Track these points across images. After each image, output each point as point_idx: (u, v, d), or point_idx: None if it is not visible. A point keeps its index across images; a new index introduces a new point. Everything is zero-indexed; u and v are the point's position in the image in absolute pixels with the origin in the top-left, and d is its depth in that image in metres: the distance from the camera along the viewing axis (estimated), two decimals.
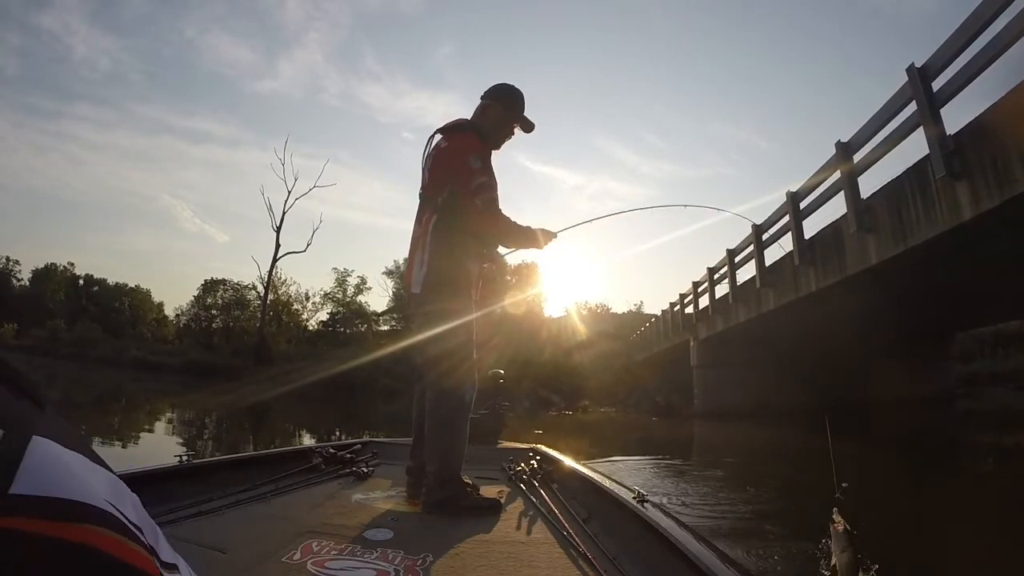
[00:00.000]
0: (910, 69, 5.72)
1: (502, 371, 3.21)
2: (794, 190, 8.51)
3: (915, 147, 5.94)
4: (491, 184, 1.87)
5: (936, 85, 5.49)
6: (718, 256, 12.90)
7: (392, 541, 1.51)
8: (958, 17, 5.10)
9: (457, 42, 52.42)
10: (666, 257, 58.62)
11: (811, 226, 8.50)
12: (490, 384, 3.08)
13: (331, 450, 2.40)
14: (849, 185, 6.79)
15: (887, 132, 6.35)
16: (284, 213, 25.13)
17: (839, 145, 7.13)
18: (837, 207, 8.74)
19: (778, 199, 9.85)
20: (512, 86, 2.00)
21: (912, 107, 5.80)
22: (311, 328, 29.78)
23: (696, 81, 67.85)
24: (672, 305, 16.87)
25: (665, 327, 17.67)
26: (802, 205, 8.43)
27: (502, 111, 1.95)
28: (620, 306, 34.15)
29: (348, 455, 2.39)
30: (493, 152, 1.98)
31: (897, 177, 6.36)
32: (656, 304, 33.79)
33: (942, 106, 5.52)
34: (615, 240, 54.00)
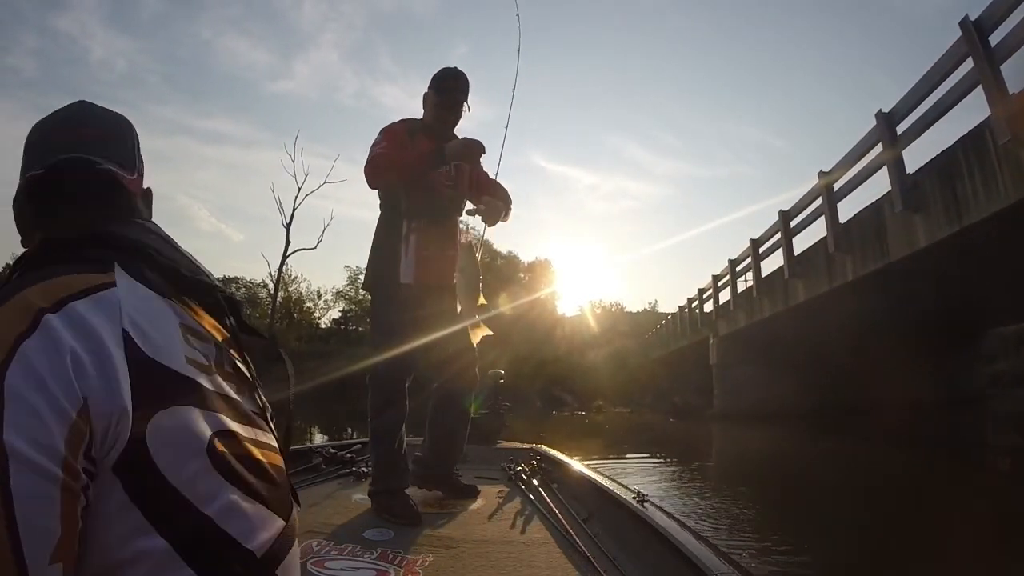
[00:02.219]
0: (964, 22, 5.03)
1: (502, 371, 3.19)
2: (827, 170, 7.73)
3: (949, 133, 5.29)
4: (380, 144, 1.89)
5: (993, 40, 4.76)
6: (735, 254, 12.15)
7: (392, 541, 1.52)
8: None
9: (471, 42, 51.55)
10: (680, 256, 57.59)
11: (845, 211, 7.74)
12: (490, 384, 3.06)
13: (331, 450, 2.42)
14: (893, 159, 6.02)
15: (937, 97, 5.58)
16: (294, 209, 24.74)
17: (880, 116, 6.40)
18: (875, 189, 7.96)
19: (793, 198, 9.29)
20: (439, 71, 1.99)
21: (967, 66, 5.06)
22: (324, 326, 29.52)
23: (710, 80, 65.59)
24: (690, 301, 16.14)
25: (682, 324, 16.96)
26: (836, 186, 7.64)
27: (431, 94, 1.97)
28: (634, 305, 33.27)
29: (348, 455, 2.41)
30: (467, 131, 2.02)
31: (949, 147, 5.65)
32: (671, 303, 33.02)
33: (1001, 63, 4.77)
34: (629, 239, 53.27)
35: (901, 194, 6.06)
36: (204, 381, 0.49)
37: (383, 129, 1.95)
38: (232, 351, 0.56)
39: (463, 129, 2.01)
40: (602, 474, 2.00)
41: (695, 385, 15.11)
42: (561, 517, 1.64)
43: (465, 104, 1.96)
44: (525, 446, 2.75)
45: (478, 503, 1.93)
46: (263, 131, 47.38)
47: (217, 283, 0.58)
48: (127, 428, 0.42)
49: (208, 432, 0.47)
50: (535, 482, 2.07)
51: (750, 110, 65.58)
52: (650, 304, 33.37)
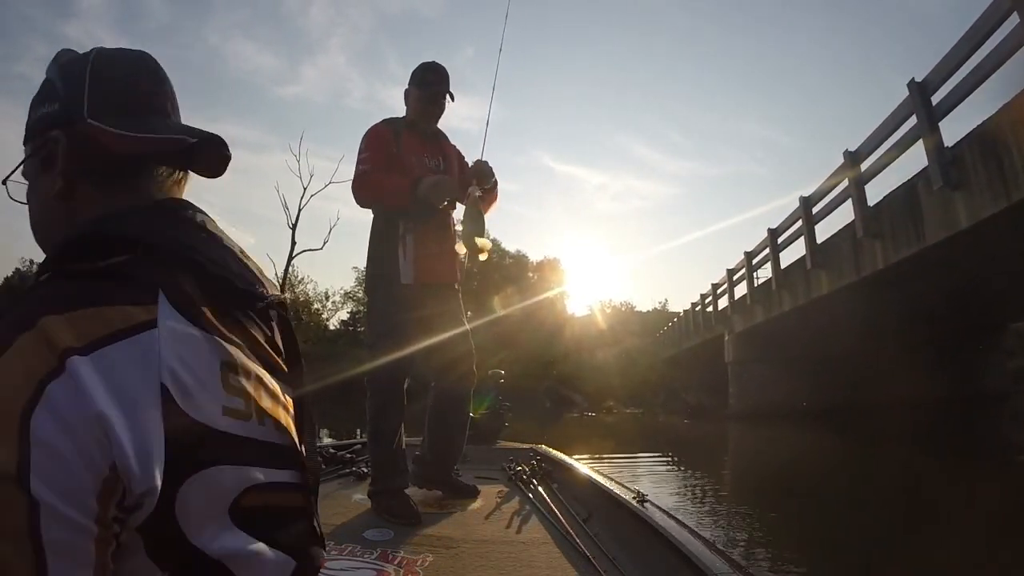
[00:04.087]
0: None
1: (502, 371, 3.21)
2: (853, 150, 7.17)
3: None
4: (364, 159, 1.91)
5: None
6: (749, 248, 11.68)
7: (392, 541, 1.54)
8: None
9: (478, 44, 51.62)
10: (690, 256, 56.31)
11: (871, 195, 7.21)
12: (490, 385, 3.06)
13: (331, 450, 2.43)
14: (930, 132, 5.48)
15: (978, 59, 5.07)
16: (300, 209, 24.38)
17: (913, 86, 5.82)
18: (903, 172, 7.41)
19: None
20: (418, 66, 2.02)
21: (1012, 21, 4.56)
22: (332, 328, 29.37)
23: (716, 77, 65.44)
24: (703, 297, 15.56)
25: (695, 322, 16.37)
26: (864, 166, 7.07)
27: (413, 89, 1.99)
28: (644, 304, 32.73)
29: (348, 455, 2.42)
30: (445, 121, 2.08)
31: (993, 116, 5.09)
32: (680, 303, 32.44)
33: None
34: (637, 239, 52.80)
35: (940, 170, 5.50)
36: (240, 431, 0.46)
37: (367, 135, 1.96)
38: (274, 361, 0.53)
39: (452, 128, 2.05)
40: (602, 474, 1.99)
41: (708, 384, 14.61)
42: (561, 517, 1.64)
43: (448, 95, 1.97)
44: (525, 446, 2.74)
45: (478, 503, 1.93)
46: (272, 135, 48.04)
47: (270, 290, 0.53)
48: (154, 501, 0.39)
49: (236, 490, 0.45)
50: (535, 482, 2.07)
51: (757, 108, 65.13)
52: (660, 303, 33.11)
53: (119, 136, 0.49)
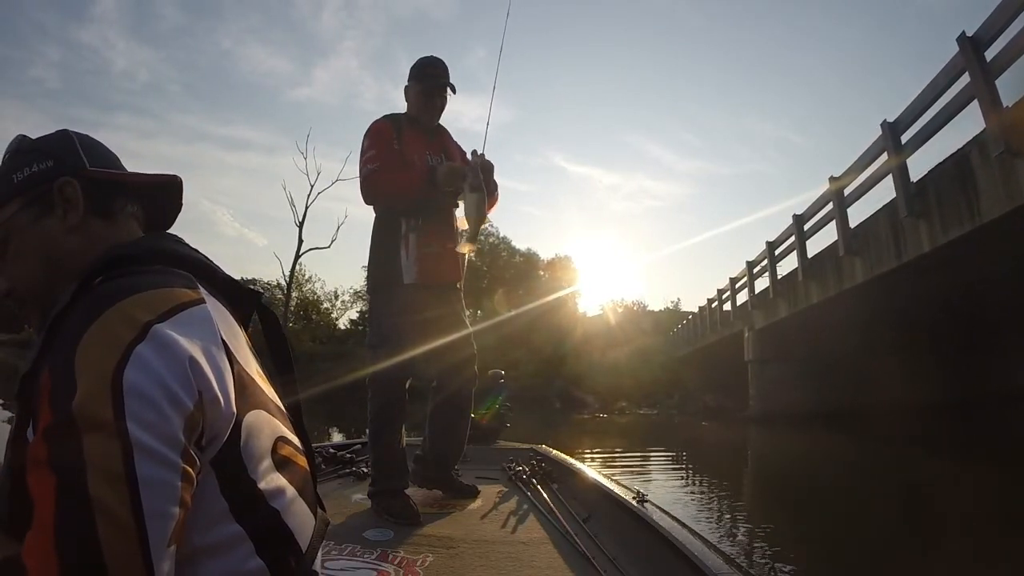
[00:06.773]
0: None
1: (502, 371, 3.17)
2: (891, 120, 6.44)
3: None
4: (371, 157, 1.90)
5: None
6: (756, 252, 11.07)
7: (392, 541, 1.56)
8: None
9: (490, 45, 51.79)
10: (702, 256, 55.55)
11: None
12: (490, 384, 2.97)
13: (331, 450, 2.45)
14: (987, 91, 4.78)
15: None
16: (307, 207, 24.29)
17: (963, 40, 5.13)
18: (949, 142, 6.66)
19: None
20: (416, 61, 2.03)
21: None
22: (342, 327, 29.09)
23: (729, 78, 65.82)
24: (720, 292, 14.81)
25: (712, 318, 15.58)
26: (904, 138, 6.33)
27: (412, 84, 2.00)
28: (656, 303, 31.99)
29: (348, 455, 2.43)
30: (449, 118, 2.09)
31: None
32: (692, 302, 31.70)
33: None
34: (650, 238, 52.10)
35: (1003, 134, 4.77)
36: (265, 388, 0.56)
37: (369, 131, 1.94)
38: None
39: (463, 129, 2.13)
40: (602, 474, 1.99)
41: (725, 384, 13.98)
42: (561, 517, 1.65)
43: (449, 88, 1.96)
44: (525, 446, 2.74)
45: (478, 503, 1.95)
46: (284, 137, 48.77)
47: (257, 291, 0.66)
48: (227, 430, 0.48)
49: (273, 436, 0.53)
50: (535, 482, 2.08)
51: (769, 108, 64.74)
52: (672, 303, 32.47)
53: (132, 175, 0.62)
